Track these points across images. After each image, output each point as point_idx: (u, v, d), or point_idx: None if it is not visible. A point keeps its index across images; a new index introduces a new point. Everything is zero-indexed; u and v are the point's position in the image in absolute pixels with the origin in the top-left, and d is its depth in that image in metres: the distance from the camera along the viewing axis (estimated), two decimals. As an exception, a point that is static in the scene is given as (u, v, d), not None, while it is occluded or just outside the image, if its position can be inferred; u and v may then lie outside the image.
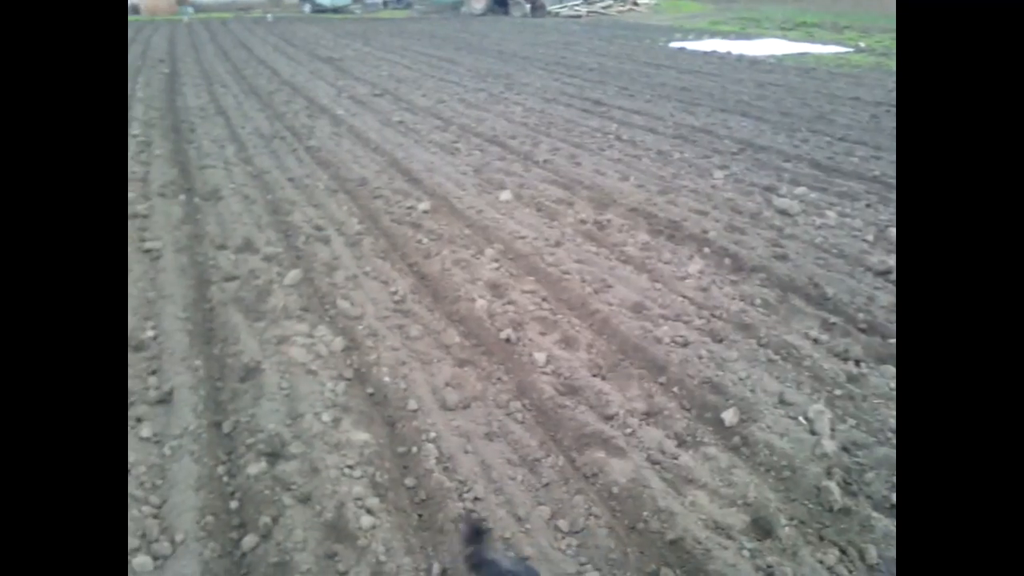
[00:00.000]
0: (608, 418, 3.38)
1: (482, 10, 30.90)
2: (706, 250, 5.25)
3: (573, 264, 5.03)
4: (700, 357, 3.83)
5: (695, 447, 3.19)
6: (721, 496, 2.89)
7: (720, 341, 4.00)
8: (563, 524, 2.77)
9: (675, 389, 3.61)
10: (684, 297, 4.52)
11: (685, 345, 3.95)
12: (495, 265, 5.06)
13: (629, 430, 3.29)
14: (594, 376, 3.72)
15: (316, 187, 6.92)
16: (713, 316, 4.27)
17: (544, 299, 4.55)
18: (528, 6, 29.37)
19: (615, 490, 2.94)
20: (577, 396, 3.57)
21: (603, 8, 29.58)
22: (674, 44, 18.74)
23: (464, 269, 5.00)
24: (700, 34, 20.90)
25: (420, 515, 2.87)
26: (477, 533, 2.51)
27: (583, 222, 5.89)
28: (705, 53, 16.74)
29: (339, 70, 14.55)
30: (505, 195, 6.52)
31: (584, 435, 3.26)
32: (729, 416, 3.32)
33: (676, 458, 3.11)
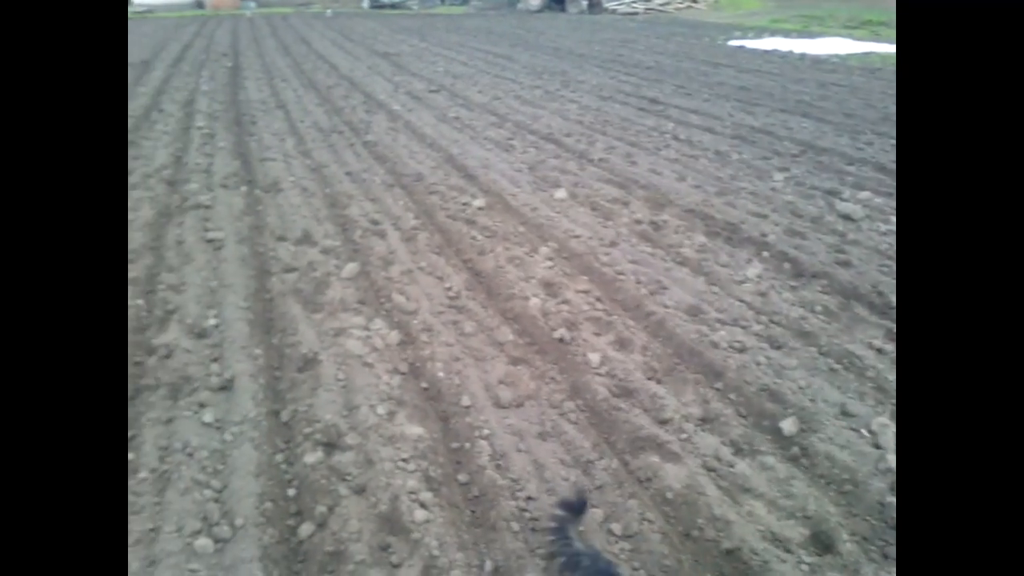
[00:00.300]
0: (663, 422, 3.35)
1: (539, 6, 30.85)
2: (765, 254, 5.14)
3: (628, 264, 4.99)
4: (758, 364, 3.76)
5: (752, 456, 3.14)
6: (779, 507, 2.84)
7: (779, 348, 3.92)
8: (616, 528, 2.75)
9: (732, 395, 3.55)
10: (742, 301, 4.44)
11: (742, 351, 3.88)
12: (549, 263, 5.05)
13: (684, 435, 3.25)
14: (649, 379, 3.69)
15: (373, 181, 7.01)
16: (772, 322, 4.19)
17: (598, 299, 4.52)
18: (585, 3, 29.20)
19: (669, 496, 2.91)
20: (631, 398, 3.54)
21: (661, 5, 29.23)
22: (733, 42, 18.41)
23: (518, 267, 5.00)
24: (760, 32, 20.49)
25: (473, 511, 2.89)
26: (576, 507, 2.58)
27: (638, 222, 5.84)
28: (765, 51, 16.39)
29: (396, 66, 14.71)
30: (560, 193, 6.50)
31: (638, 438, 3.24)
32: (788, 425, 3.25)
33: (732, 466, 3.06)
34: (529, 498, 2.89)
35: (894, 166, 7.19)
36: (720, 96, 11.10)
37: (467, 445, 3.23)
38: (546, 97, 11.34)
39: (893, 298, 4.37)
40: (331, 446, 3.18)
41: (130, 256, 5.11)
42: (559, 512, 2.58)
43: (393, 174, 7.32)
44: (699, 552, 2.65)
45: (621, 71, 13.84)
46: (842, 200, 6.13)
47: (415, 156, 7.94)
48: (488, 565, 2.61)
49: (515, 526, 2.76)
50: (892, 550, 2.63)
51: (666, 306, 4.38)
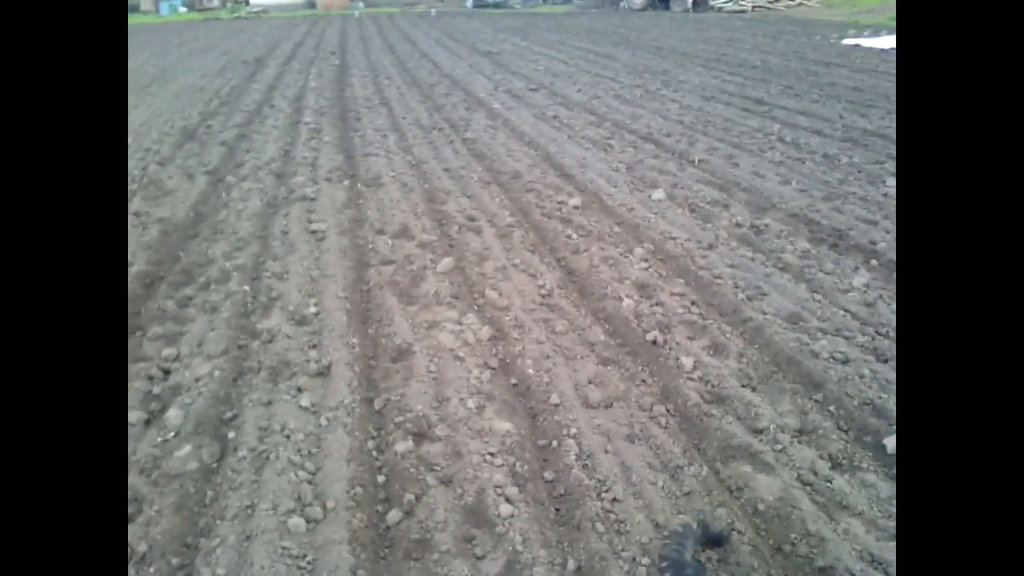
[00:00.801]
0: (757, 432, 3.24)
1: (642, 5, 30.46)
2: (873, 262, 4.89)
3: (726, 268, 4.86)
4: (862, 376, 3.58)
5: (852, 471, 2.99)
6: (879, 527, 2.69)
7: (885, 361, 3.72)
8: (695, 524, 2.68)
9: (832, 408, 3.40)
10: (846, 311, 4.24)
11: (845, 362, 3.71)
12: (644, 265, 4.98)
13: (779, 446, 3.14)
14: (744, 386, 3.58)
15: (470, 178, 7.11)
16: (878, 333, 3.98)
17: (693, 303, 4.42)
18: (690, 1, 28.62)
19: (761, 507, 2.81)
20: (724, 405, 3.45)
21: (770, 3, 28.26)
22: (847, 40, 17.58)
23: (612, 267, 4.96)
24: (877, 30, 19.47)
25: (557, 509, 2.89)
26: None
27: (738, 225, 5.67)
28: (882, 50, 15.55)
29: (497, 64, 14.86)
30: (657, 194, 6.40)
31: (730, 447, 3.15)
32: (892, 443, 3.08)
33: (830, 481, 2.92)
34: (615, 500, 2.86)
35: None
36: (831, 97, 10.63)
37: (554, 443, 3.23)
38: (646, 96, 11.18)
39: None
40: (421, 436, 3.25)
41: (239, 244, 5.39)
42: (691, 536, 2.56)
43: (490, 171, 7.40)
44: (790, 567, 2.56)
45: (725, 70, 13.48)
46: (962, 208, 5.75)
47: (513, 154, 8.00)
48: (571, 564, 2.60)
49: (600, 527, 2.73)
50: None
51: (765, 312, 4.24)
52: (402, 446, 3.17)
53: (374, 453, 3.21)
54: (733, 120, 9.37)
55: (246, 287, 4.68)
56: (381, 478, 3.05)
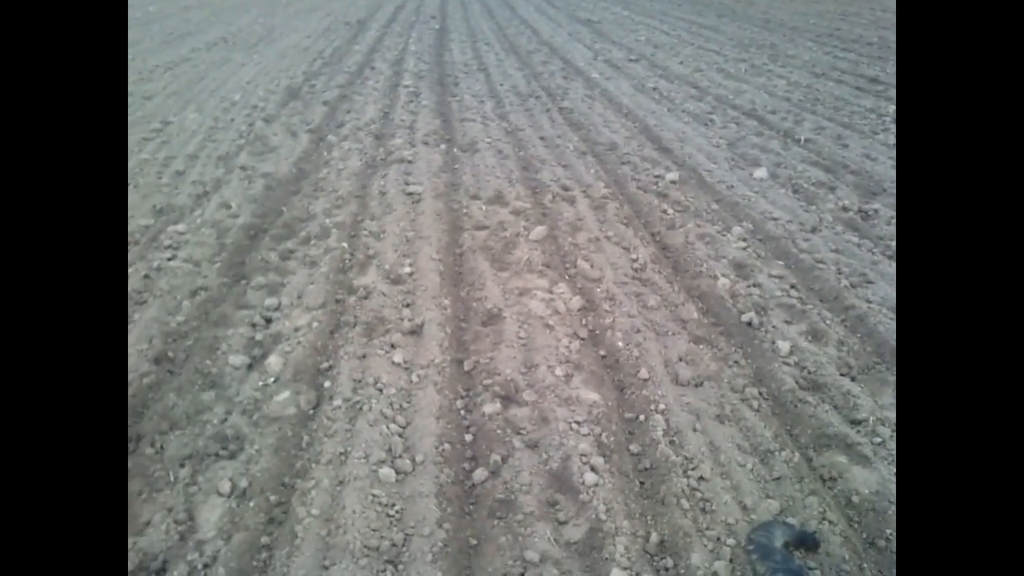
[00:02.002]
0: (855, 423, 3.13)
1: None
2: (993, 256, 4.59)
3: (829, 253, 4.67)
4: (973, 374, 3.39)
5: (956, 472, 2.85)
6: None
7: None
8: (793, 523, 2.62)
9: (938, 405, 3.24)
10: (959, 305, 4.00)
11: (955, 358, 3.51)
12: (742, 244, 4.84)
13: (879, 439, 3.02)
14: (843, 375, 3.45)
15: (566, 148, 7.06)
16: (994, 331, 3.75)
17: (793, 286, 4.28)
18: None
19: (855, 499, 2.72)
20: (821, 393, 3.34)
21: (890, -24, 26.56)
22: (975, 18, 16.35)
23: (708, 244, 4.84)
24: (1010, 8, 18.02)
25: (642, 483, 2.88)
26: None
27: (845, 209, 5.43)
28: (1014, 30, 14.40)
29: (596, 33, 14.60)
30: (759, 172, 6.19)
31: (825, 435, 3.05)
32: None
33: (932, 480, 2.80)
34: (701, 478, 2.83)
35: None
36: (953, 78, 9.95)
37: (641, 417, 3.21)
38: (751, 71, 10.76)
39: None
40: (508, 400, 3.29)
41: (338, 202, 5.54)
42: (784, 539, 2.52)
43: (586, 142, 7.32)
44: (884, 563, 2.47)
45: (838, 46, 12.79)
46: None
47: (610, 125, 7.88)
48: (654, 537, 2.59)
49: (685, 503, 2.71)
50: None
51: (869, 301, 4.06)
52: (490, 407, 3.22)
53: (462, 412, 3.27)
54: (844, 99, 8.91)
55: (344, 244, 4.82)
56: (468, 437, 3.11)
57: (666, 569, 2.48)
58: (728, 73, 10.62)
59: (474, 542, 2.61)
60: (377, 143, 7.15)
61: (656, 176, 6.17)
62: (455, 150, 6.97)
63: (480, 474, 2.88)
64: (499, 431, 3.09)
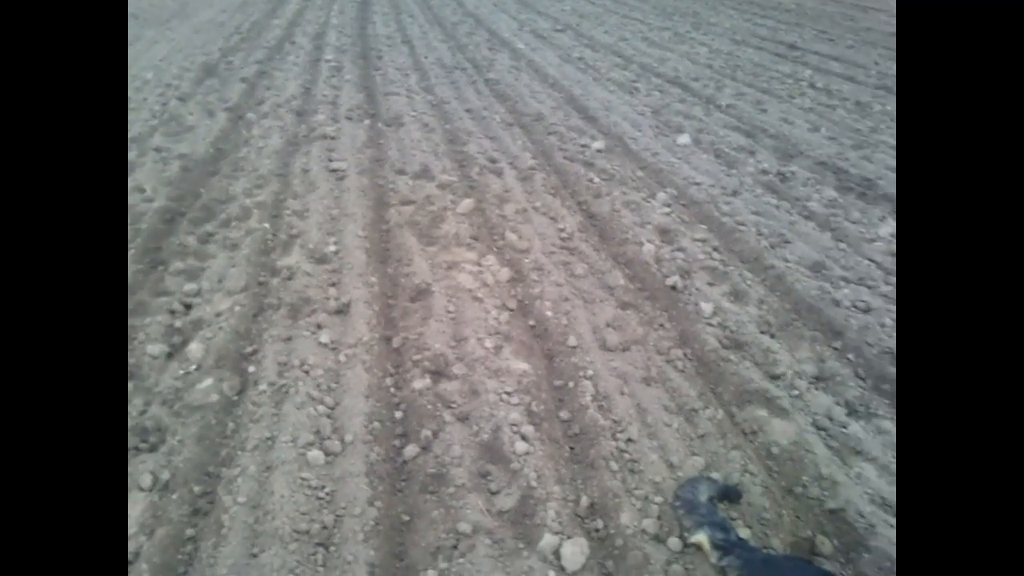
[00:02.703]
0: (774, 377, 3.24)
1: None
2: (902, 212, 4.79)
3: (750, 215, 4.79)
4: (883, 325, 3.55)
5: (868, 418, 2.99)
6: (892, 473, 2.70)
7: (909, 311, 3.67)
8: (716, 477, 2.71)
9: (851, 356, 3.38)
10: (871, 260, 4.17)
11: (867, 311, 3.67)
12: (666, 210, 4.92)
13: (796, 392, 3.14)
14: (762, 333, 3.56)
15: (493, 119, 7.01)
16: (903, 284, 3.92)
17: (715, 249, 4.38)
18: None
19: (775, 451, 2.83)
20: (742, 351, 3.44)
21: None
22: (886, -16, 16.89)
23: (634, 212, 4.90)
24: (918, -27, 18.66)
25: (572, 448, 2.92)
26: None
27: (764, 172, 5.57)
28: (922, -5, 14.92)
29: (522, 3, 14.48)
30: (683, 139, 6.28)
31: (746, 391, 3.15)
32: (912, 392, 3.07)
33: (845, 427, 2.93)
34: (629, 440, 2.89)
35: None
36: (866, 43, 10.28)
37: (570, 384, 3.25)
38: (675, 39, 10.87)
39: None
40: (438, 374, 3.28)
41: (259, 182, 5.38)
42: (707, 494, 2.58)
43: (513, 113, 7.29)
44: (801, 509, 2.58)
45: (758, 13, 13.04)
46: (997, 159, 5.59)
47: (536, 96, 7.86)
48: (584, 500, 2.64)
49: (614, 465, 2.77)
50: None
51: (787, 260, 4.19)
52: (420, 383, 3.21)
53: (392, 390, 3.25)
54: (763, 65, 9.11)
55: (266, 224, 4.69)
56: (399, 414, 3.09)
57: (596, 530, 2.53)
58: (652, 41, 10.70)
59: (406, 518, 2.60)
60: (299, 120, 6.95)
61: (582, 145, 6.20)
62: (379, 125, 6.84)
63: (411, 450, 2.87)
64: (429, 406, 3.08)
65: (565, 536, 2.47)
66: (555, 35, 11.25)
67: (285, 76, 8.55)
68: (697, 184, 5.32)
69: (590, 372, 3.30)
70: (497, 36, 11.13)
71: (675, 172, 5.57)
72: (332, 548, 2.42)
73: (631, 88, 8.11)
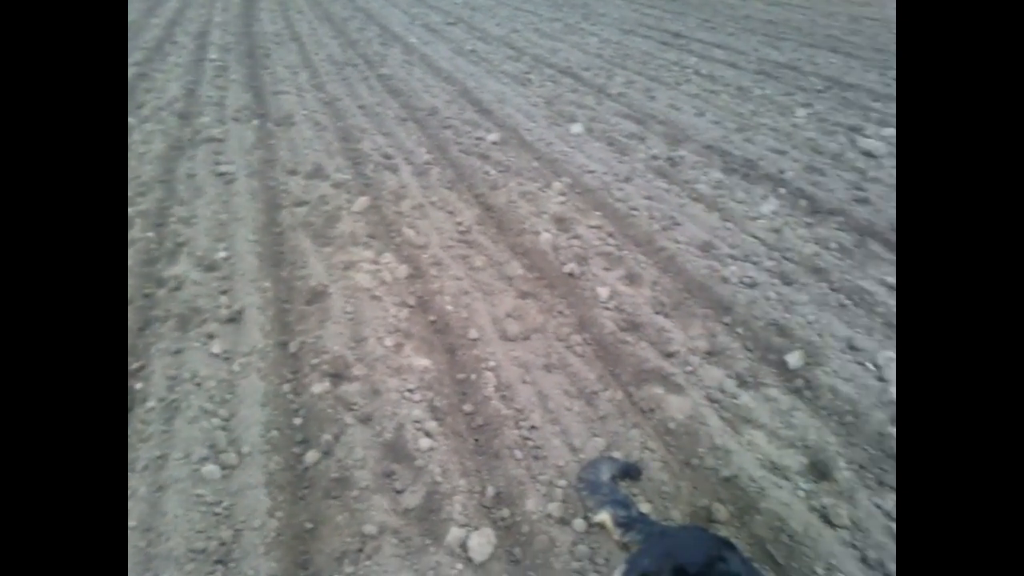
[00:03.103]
0: (669, 355, 3.35)
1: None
2: (782, 190, 5.04)
3: (642, 200, 4.92)
4: (768, 299, 3.72)
5: (756, 388, 3.13)
6: (780, 437, 2.85)
7: (790, 284, 3.87)
8: (617, 457, 2.78)
9: (739, 330, 3.53)
10: (755, 238, 4.37)
11: (753, 286, 3.84)
12: (562, 199, 4.99)
13: (689, 368, 3.25)
14: (657, 313, 3.67)
15: (386, 115, 6.92)
16: (784, 258, 4.13)
17: (610, 234, 4.47)
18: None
19: (671, 426, 2.92)
20: (638, 332, 3.53)
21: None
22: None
23: (530, 202, 4.95)
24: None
25: (476, 440, 2.93)
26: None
27: (655, 158, 5.73)
28: (795, -17, 15.72)
29: (413, -3, 14.36)
30: (576, 128, 6.38)
31: (643, 371, 3.24)
32: (794, 359, 3.24)
33: (736, 398, 3.06)
34: (533, 427, 2.92)
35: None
36: (746, 30, 10.73)
37: (473, 376, 3.25)
38: (565, 30, 11.03)
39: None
40: (338, 377, 3.22)
41: (141, 189, 5.12)
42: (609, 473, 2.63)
43: (407, 108, 7.21)
44: (698, 479, 2.68)
45: (645, 3, 13.40)
46: (865, 137, 5.96)
47: (430, 90, 7.81)
48: (490, 490, 2.65)
49: (518, 454, 2.79)
50: (888, 478, 2.64)
51: (678, 241, 4.33)
52: (319, 387, 3.14)
53: (290, 396, 3.16)
54: (651, 53, 9.37)
55: (150, 233, 4.47)
56: (298, 420, 3.02)
57: (503, 519, 2.55)
58: (544, 33, 10.82)
59: (310, 526, 2.54)
60: (183, 123, 6.65)
61: (477, 138, 6.21)
62: (269, 125, 6.63)
63: (312, 456, 2.81)
64: (330, 410, 3.02)
65: (472, 528, 2.48)
66: (447, 28, 11.21)
67: (166, 77, 8.17)
68: (591, 172, 5.43)
69: (492, 363, 3.31)
70: (388, 31, 10.99)
71: (569, 161, 5.66)
72: (231, 564, 2.34)
73: (524, 80, 8.17)
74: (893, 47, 9.29)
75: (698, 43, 9.90)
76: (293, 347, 3.46)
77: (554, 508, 2.56)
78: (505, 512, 2.57)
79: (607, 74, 8.35)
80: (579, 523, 2.50)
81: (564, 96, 7.49)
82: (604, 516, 2.46)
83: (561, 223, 4.63)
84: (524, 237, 4.47)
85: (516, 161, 5.68)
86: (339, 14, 12.38)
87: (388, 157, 5.81)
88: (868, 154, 5.59)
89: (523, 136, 6.26)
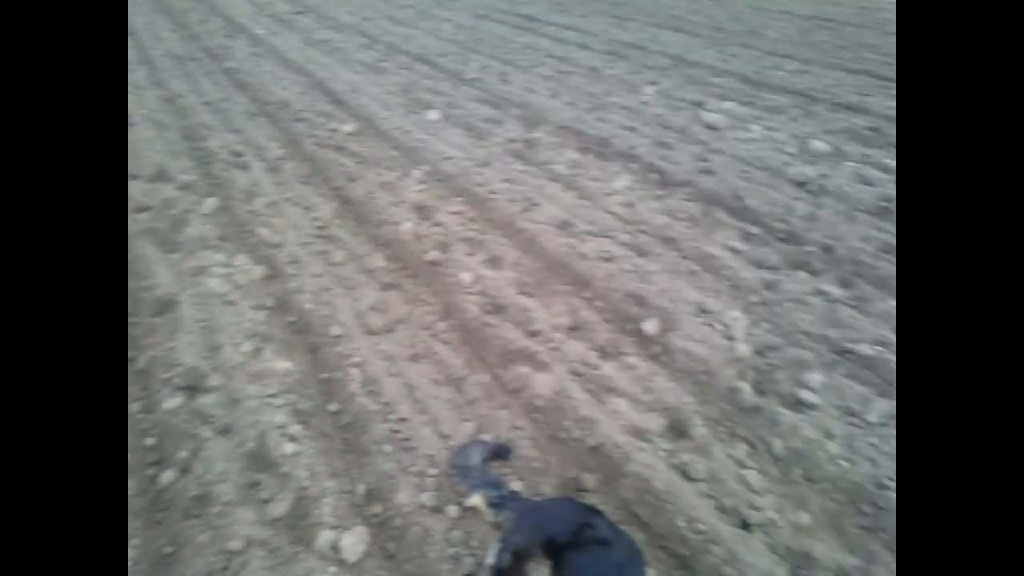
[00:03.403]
0: (533, 334, 3.40)
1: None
2: (633, 166, 5.22)
3: (501, 184, 4.96)
4: (624, 271, 3.86)
5: (617, 358, 3.24)
6: (640, 402, 2.97)
7: (644, 255, 4.03)
8: (487, 439, 2.80)
9: (599, 303, 3.64)
10: (610, 213, 4.51)
11: (610, 260, 3.97)
12: (422, 187, 4.95)
13: (553, 345, 3.32)
14: (520, 294, 3.72)
15: (234, 111, 6.60)
16: (638, 231, 4.29)
17: (471, 219, 4.48)
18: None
19: (539, 403, 2.98)
20: (503, 314, 3.57)
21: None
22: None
23: (390, 192, 4.87)
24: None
25: (344, 439, 2.86)
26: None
27: (512, 141, 5.78)
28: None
29: (258, -14, 13.73)
30: (433, 115, 6.34)
31: (509, 352, 3.28)
32: (650, 326, 3.38)
33: (598, 369, 3.16)
34: (401, 419, 2.89)
35: (757, 77, 7.40)
36: (596, 12, 11.01)
37: (337, 374, 3.18)
38: (419, 16, 10.91)
39: (750, 202, 4.56)
40: (193, 389, 3.06)
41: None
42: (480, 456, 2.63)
43: (257, 102, 6.90)
44: (566, 452, 2.75)
45: (496, -12, 13.46)
46: (707, 111, 6.27)
47: (280, 82, 7.51)
48: (361, 488, 2.61)
49: (387, 448, 2.76)
50: (739, 429, 2.82)
51: (537, 222, 4.40)
52: (172, 402, 2.97)
53: (140, 415, 2.97)
54: (505, 38, 9.43)
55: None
56: (150, 440, 2.84)
57: (375, 515, 2.51)
58: (397, 20, 10.65)
59: (170, 549, 2.40)
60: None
61: (332, 130, 6.04)
62: (103, 127, 6.15)
63: (168, 476, 2.65)
64: (185, 425, 2.87)
65: (344, 529, 2.44)
66: (296, 18, 10.81)
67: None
68: (450, 158, 5.41)
69: (356, 359, 3.25)
70: (233, 22, 10.47)
71: (428, 148, 5.62)
72: (81, 601, 2.17)
73: (378, 68, 8.01)
74: (729, 25, 9.83)
75: (551, 26, 10.06)
76: (142, 362, 3.25)
77: (427, 498, 2.55)
78: (377, 508, 2.53)
79: (462, 59, 8.33)
80: (452, 509, 2.51)
81: (420, 83, 7.41)
82: (476, 499, 2.48)
83: (422, 211, 4.59)
84: (384, 228, 4.40)
85: (373, 151, 5.58)
86: (178, 6, 11.67)
87: (238, 155, 5.54)
88: (711, 127, 5.89)
89: (379, 125, 6.15)
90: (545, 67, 7.99)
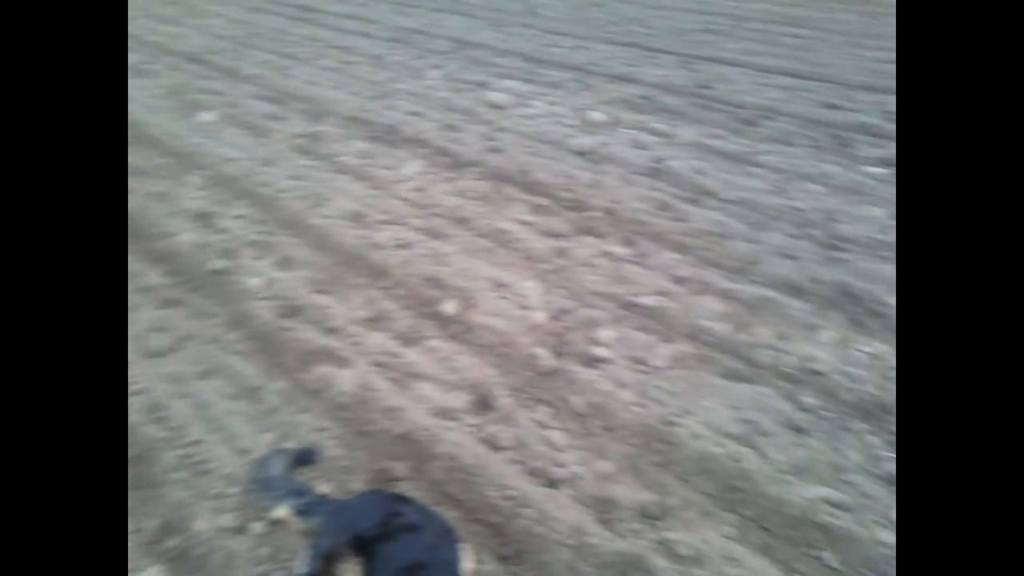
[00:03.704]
0: (332, 331, 3.30)
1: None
2: (423, 151, 5.21)
3: (288, 181, 4.76)
4: (420, 256, 3.85)
5: (419, 343, 3.23)
6: (445, 383, 2.97)
7: (439, 238, 4.04)
8: (289, 446, 2.67)
9: (397, 291, 3.60)
10: (403, 200, 4.48)
11: (405, 246, 3.94)
12: (201, 193, 4.63)
13: (353, 339, 3.24)
14: (315, 292, 3.59)
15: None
16: (432, 215, 4.29)
17: (258, 222, 4.26)
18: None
19: (342, 400, 2.90)
20: (298, 316, 3.43)
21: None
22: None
23: (164, 202, 4.51)
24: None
25: (130, 475, 2.62)
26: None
27: (297, 136, 5.57)
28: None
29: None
30: (208, 116, 5.94)
31: (308, 353, 3.16)
32: (450, 307, 3.40)
33: (401, 357, 3.13)
34: (193, 442, 2.70)
35: (536, 54, 7.65)
36: (376, 0, 10.85)
37: (116, 405, 2.89)
38: (186, 13, 10.18)
39: (537, 175, 4.72)
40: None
41: None
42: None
43: (-3, 119, 6.10)
44: (373, 445, 2.69)
45: (270, -21, 12.86)
46: (491, 91, 6.40)
47: (25, 94, 6.69)
48: (152, 524, 2.40)
49: (181, 475, 2.56)
50: (540, 393, 2.91)
51: (328, 217, 4.28)
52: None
53: None
54: (283, 30, 9.05)
55: None
56: None
57: (171, 549, 2.32)
58: (162, 18, 9.88)
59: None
60: None
61: (92, 142, 5.48)
62: None
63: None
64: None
65: (137, 573, 2.23)
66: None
67: None
68: (231, 160, 5.11)
69: (138, 386, 2.98)
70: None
71: (205, 152, 5.26)
72: None
73: (143, 72, 7.38)
74: (507, 6, 10.09)
75: (330, 16, 9.79)
76: None
77: (228, 520, 2.40)
78: (173, 541, 2.35)
79: (238, 56, 7.89)
80: (257, 526, 2.38)
81: (191, 84, 6.92)
82: (283, 510, 2.36)
83: (202, 219, 4.30)
84: (161, 242, 4.07)
85: (142, 161, 5.13)
86: None
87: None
88: (496, 106, 6.02)
89: (147, 132, 5.67)
90: (327, 58, 7.77)
